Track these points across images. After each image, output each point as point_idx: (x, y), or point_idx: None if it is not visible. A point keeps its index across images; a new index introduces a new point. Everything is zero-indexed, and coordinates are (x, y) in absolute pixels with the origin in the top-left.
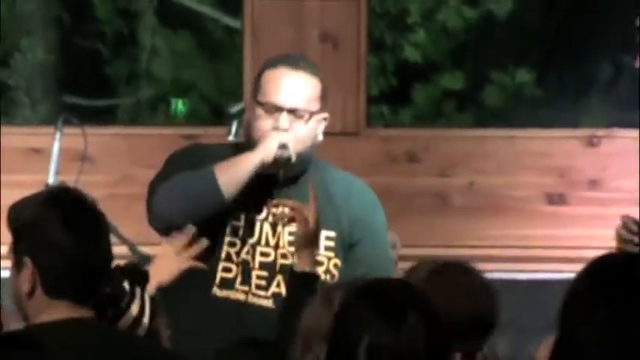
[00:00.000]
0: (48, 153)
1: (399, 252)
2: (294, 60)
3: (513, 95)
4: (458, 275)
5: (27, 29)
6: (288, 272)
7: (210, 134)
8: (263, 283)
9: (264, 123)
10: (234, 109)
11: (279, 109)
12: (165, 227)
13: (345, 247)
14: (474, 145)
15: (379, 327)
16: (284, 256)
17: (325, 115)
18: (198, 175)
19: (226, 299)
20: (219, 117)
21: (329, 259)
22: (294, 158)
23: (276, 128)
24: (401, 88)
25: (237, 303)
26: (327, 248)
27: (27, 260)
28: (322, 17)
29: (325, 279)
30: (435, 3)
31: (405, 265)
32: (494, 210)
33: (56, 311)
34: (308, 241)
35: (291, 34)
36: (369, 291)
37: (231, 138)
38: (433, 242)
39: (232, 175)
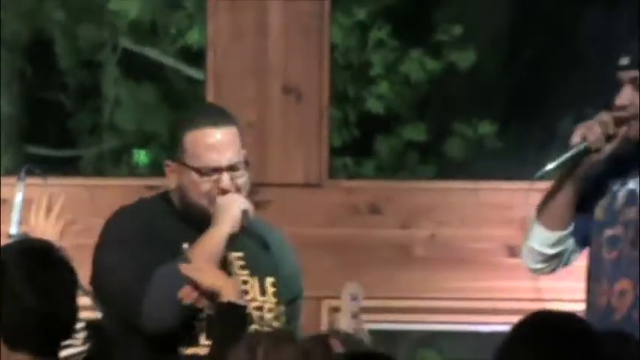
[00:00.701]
0: (11, 203)
1: (360, 304)
2: (212, 115)
3: (475, 147)
4: None
5: None
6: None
7: None
8: None
9: (203, 186)
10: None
11: (217, 170)
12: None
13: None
14: (436, 197)
15: None
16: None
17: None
18: (179, 275)
19: (193, 356)
20: None
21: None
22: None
23: (219, 189)
24: (363, 139)
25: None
26: (272, 294)
27: None
28: (285, 69)
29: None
30: (397, 55)
31: (367, 318)
32: (455, 262)
33: None
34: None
35: (253, 85)
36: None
37: None
38: (394, 294)
39: (210, 258)
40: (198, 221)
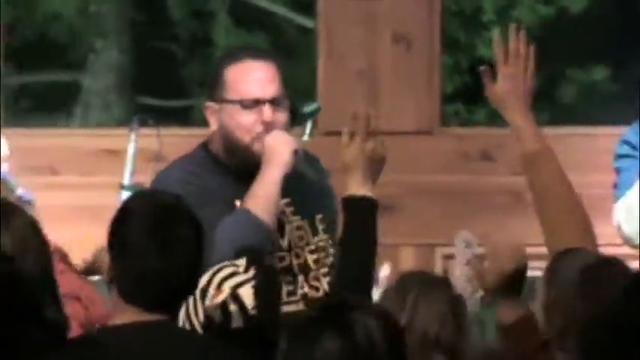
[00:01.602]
0: (123, 154)
1: (474, 251)
2: (253, 51)
3: (589, 92)
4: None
5: (101, 31)
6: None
7: None
8: (290, 288)
9: (245, 119)
10: (308, 108)
11: (259, 102)
12: None
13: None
14: (551, 141)
15: None
16: (297, 256)
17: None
18: (241, 224)
19: None
20: (292, 117)
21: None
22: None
23: (262, 122)
24: (475, 86)
25: None
26: (322, 230)
27: (109, 257)
28: (395, 17)
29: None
30: (509, 1)
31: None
32: None
33: (127, 315)
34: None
35: (363, 34)
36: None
37: (305, 138)
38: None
39: (267, 205)
40: (244, 168)
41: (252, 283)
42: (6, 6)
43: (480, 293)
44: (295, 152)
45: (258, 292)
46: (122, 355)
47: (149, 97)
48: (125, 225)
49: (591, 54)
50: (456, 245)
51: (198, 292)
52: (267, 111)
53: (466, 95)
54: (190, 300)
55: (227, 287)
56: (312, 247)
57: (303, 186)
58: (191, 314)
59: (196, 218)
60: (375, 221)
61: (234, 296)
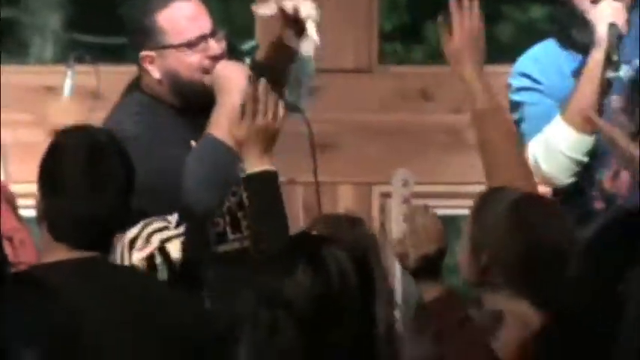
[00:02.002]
0: (60, 91)
1: (411, 189)
2: None
3: (526, 30)
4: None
5: None
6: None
7: None
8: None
9: (194, 58)
10: (247, 45)
11: (202, 39)
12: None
13: None
14: (488, 80)
15: None
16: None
17: None
18: (210, 151)
19: (226, 254)
20: (231, 54)
21: None
22: None
23: (211, 57)
24: (413, 24)
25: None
26: None
27: (40, 194)
28: None
29: None
30: None
31: (418, 202)
32: None
33: (58, 253)
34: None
35: None
36: None
37: None
38: (447, 179)
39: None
40: (194, 106)
41: (181, 238)
42: None
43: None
44: (249, 78)
45: (185, 248)
46: (58, 290)
47: (86, 35)
48: (55, 162)
49: None
50: (394, 184)
51: (126, 242)
52: (213, 45)
53: (404, 34)
54: (118, 248)
55: (155, 240)
56: None
57: None
58: (117, 262)
59: (128, 155)
60: (280, 194)
61: (161, 249)
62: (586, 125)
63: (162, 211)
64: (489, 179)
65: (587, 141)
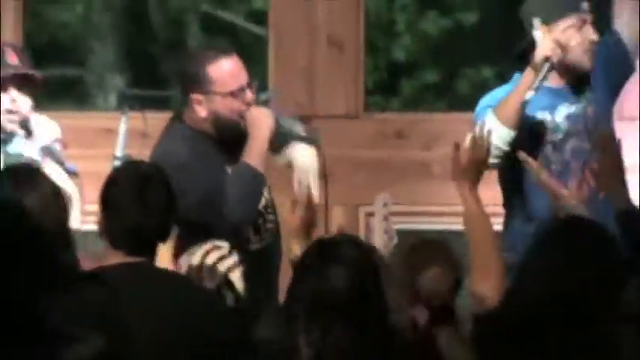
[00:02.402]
0: (116, 132)
1: (389, 209)
2: (220, 49)
3: (479, 87)
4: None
5: (98, 35)
6: None
7: None
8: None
9: (235, 105)
10: (264, 96)
11: (241, 90)
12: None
13: None
14: (449, 125)
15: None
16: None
17: None
18: (243, 174)
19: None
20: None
21: None
22: None
23: (247, 103)
24: (391, 81)
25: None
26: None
27: (101, 214)
28: (330, 27)
29: None
30: (415, 15)
31: (395, 220)
32: None
33: (115, 258)
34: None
35: (305, 39)
36: None
37: None
38: (418, 201)
39: (260, 160)
40: (229, 140)
41: (240, 267)
42: (25, 16)
43: (395, 240)
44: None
45: (245, 277)
46: (116, 287)
47: (136, 88)
48: (113, 189)
49: (481, 57)
50: (376, 205)
51: (193, 268)
52: (248, 95)
53: (383, 89)
54: (184, 269)
55: (221, 268)
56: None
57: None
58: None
59: (169, 183)
60: None
61: (227, 282)
62: (509, 120)
63: (215, 223)
64: (472, 261)
65: (507, 133)
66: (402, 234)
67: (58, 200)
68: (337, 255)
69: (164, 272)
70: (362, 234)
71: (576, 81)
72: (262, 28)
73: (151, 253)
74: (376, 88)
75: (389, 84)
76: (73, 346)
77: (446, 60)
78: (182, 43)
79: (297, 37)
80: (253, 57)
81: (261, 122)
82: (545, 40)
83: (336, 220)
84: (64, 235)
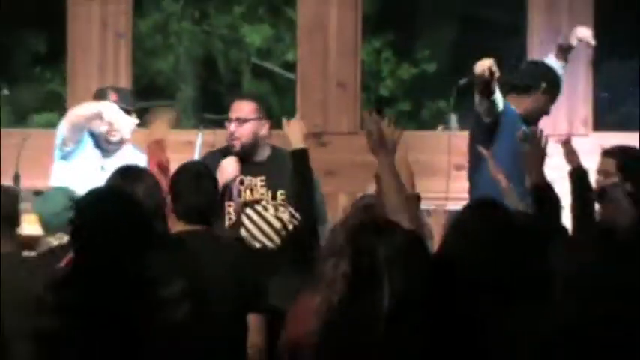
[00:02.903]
0: (194, 145)
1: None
2: (240, 96)
3: (438, 115)
4: None
5: (183, 78)
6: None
7: None
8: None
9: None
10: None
11: (230, 120)
12: None
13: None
14: (417, 140)
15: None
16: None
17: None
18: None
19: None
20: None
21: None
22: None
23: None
24: (377, 110)
25: None
26: (281, 200)
27: (170, 196)
28: (338, 73)
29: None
30: (395, 65)
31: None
32: (431, 173)
33: (180, 226)
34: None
35: (321, 81)
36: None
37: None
38: None
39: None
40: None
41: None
42: (133, 66)
43: None
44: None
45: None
46: (187, 248)
47: (209, 114)
48: (177, 180)
49: (439, 94)
50: (368, 191)
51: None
52: (231, 126)
53: (377, 112)
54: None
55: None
56: (264, 204)
57: (283, 173)
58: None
59: (214, 176)
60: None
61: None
62: None
63: None
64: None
65: None
66: None
67: (156, 189)
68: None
69: (215, 236)
70: None
71: None
72: (293, 74)
73: (204, 223)
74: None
75: (376, 112)
76: (165, 286)
77: (414, 96)
78: (238, 84)
79: (315, 80)
80: (287, 94)
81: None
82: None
83: (341, 203)
84: (159, 213)
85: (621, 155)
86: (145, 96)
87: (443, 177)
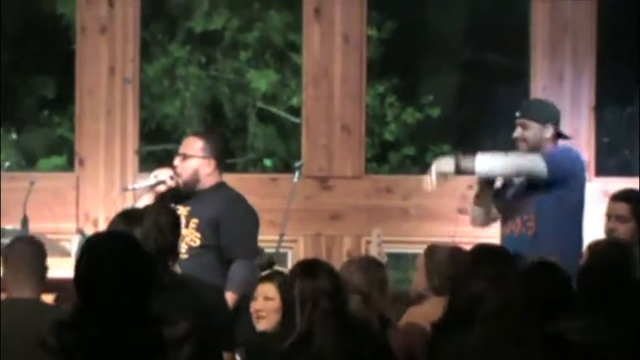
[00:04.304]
0: None
1: (382, 239)
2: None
3: (439, 156)
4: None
5: (190, 122)
6: None
7: None
8: None
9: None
10: (297, 164)
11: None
12: None
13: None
14: (421, 183)
15: None
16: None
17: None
18: None
19: None
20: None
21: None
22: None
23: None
24: (382, 154)
25: None
26: (193, 228)
27: None
28: (342, 117)
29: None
30: (399, 110)
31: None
32: (434, 217)
33: None
34: None
35: (326, 126)
36: None
37: (295, 180)
38: (401, 235)
39: None
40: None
41: None
42: (140, 110)
43: (385, 259)
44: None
45: None
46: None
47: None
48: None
49: (442, 138)
50: (372, 236)
51: None
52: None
53: (377, 159)
54: None
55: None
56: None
57: (209, 206)
58: None
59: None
60: None
61: None
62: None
63: None
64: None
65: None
66: (389, 255)
67: (158, 230)
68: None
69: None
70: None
71: None
72: (298, 118)
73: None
74: (372, 158)
75: (381, 156)
76: (169, 327)
77: (419, 140)
78: (244, 128)
79: (320, 124)
80: (292, 138)
81: None
82: None
83: (346, 246)
84: (163, 254)
85: (635, 199)
86: (151, 140)
87: (447, 220)
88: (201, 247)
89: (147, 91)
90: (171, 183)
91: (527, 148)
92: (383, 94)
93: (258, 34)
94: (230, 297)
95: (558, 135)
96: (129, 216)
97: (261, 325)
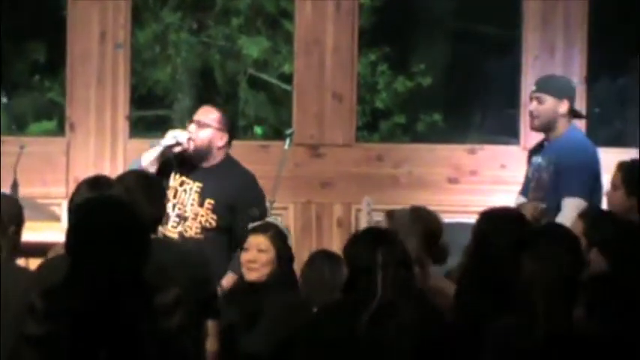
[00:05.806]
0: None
1: (372, 207)
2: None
3: (432, 127)
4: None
5: (180, 88)
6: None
7: None
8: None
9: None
10: (289, 131)
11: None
12: None
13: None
14: (411, 152)
15: None
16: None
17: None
18: None
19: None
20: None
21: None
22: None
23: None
24: (373, 122)
25: None
26: (207, 209)
27: None
28: (334, 85)
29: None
30: (391, 78)
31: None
32: (424, 186)
33: None
34: None
35: (317, 94)
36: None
37: (286, 147)
38: (392, 202)
39: None
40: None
41: None
42: (131, 75)
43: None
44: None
45: None
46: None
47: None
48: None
49: (433, 107)
50: (363, 204)
51: None
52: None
53: (368, 127)
54: None
55: None
56: (193, 211)
57: (220, 180)
58: None
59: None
60: None
61: None
62: None
63: None
64: None
65: None
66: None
67: (128, 196)
68: None
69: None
70: (353, 224)
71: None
72: (289, 85)
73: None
74: (363, 127)
75: (372, 124)
76: (160, 294)
77: (409, 109)
78: (235, 94)
79: (312, 92)
80: (283, 105)
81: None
82: None
83: (336, 214)
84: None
85: (627, 168)
86: (142, 105)
87: (438, 189)
88: (217, 229)
89: (138, 56)
90: (187, 146)
91: (539, 125)
92: (374, 63)
93: (249, 1)
94: (231, 278)
95: (572, 113)
96: (97, 182)
97: (252, 276)
